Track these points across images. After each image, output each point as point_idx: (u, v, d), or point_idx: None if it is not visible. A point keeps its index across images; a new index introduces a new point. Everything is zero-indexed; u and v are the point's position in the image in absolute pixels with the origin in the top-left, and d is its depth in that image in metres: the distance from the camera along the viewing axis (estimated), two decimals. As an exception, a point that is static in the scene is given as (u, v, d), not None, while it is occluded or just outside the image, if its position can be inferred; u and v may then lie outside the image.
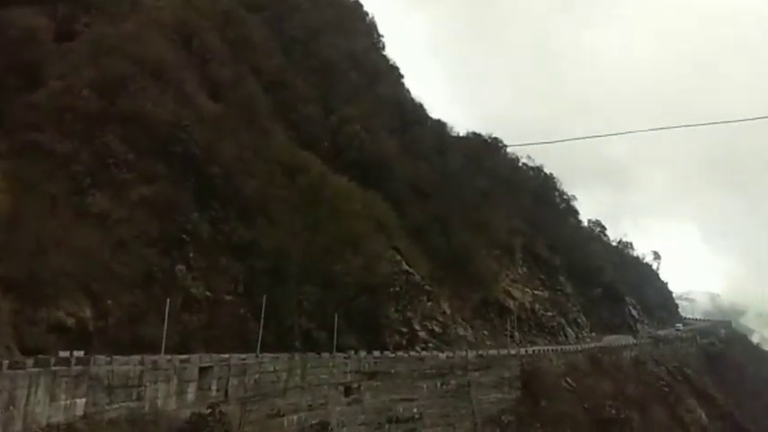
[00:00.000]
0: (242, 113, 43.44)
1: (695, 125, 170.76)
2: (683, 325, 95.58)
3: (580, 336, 62.64)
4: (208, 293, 32.55)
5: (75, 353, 19.01)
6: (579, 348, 51.17)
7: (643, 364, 54.79)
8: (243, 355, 25.26)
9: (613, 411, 40.19)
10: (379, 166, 51.41)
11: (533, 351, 44.21)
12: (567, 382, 41.94)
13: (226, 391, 23.33)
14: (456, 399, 35.07)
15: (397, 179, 52.31)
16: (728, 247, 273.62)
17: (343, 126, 54.40)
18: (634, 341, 64.65)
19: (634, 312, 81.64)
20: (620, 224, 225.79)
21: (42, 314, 23.01)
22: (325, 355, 30.02)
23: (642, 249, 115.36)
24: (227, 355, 24.21)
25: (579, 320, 65.50)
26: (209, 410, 19.75)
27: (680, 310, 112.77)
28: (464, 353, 37.77)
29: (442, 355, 35.94)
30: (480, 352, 39.40)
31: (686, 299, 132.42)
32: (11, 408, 13.27)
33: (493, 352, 40.51)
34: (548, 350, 46.47)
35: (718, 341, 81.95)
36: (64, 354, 17.06)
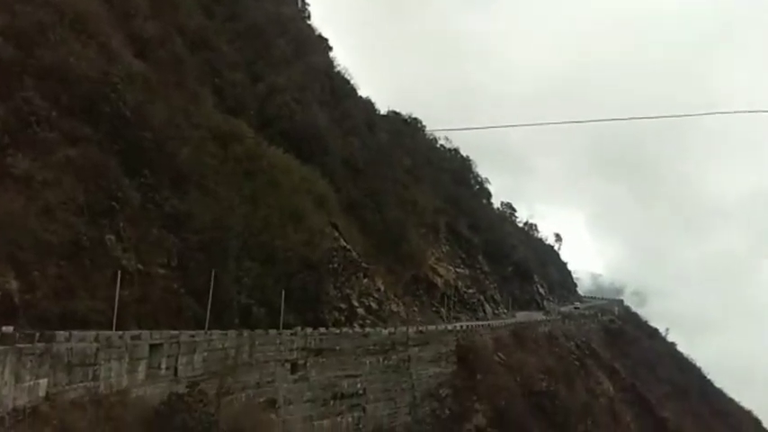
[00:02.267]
0: (170, 75, 40.54)
1: (583, 121, 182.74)
2: (581, 302, 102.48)
3: (496, 312, 65.27)
4: (140, 266, 30.19)
5: (4, 328, 16.96)
6: (503, 324, 53.24)
7: (555, 339, 58.02)
8: (192, 332, 23.72)
9: (544, 384, 42.39)
10: (312, 140, 50.07)
11: (466, 327, 45.41)
12: (498, 356, 43.51)
13: (175, 369, 21.81)
14: (397, 374, 35.26)
15: (331, 153, 51.27)
16: (609, 231, 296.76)
17: (272, 95, 52.30)
18: (545, 317, 68.28)
19: (542, 290, 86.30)
20: (518, 209, 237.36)
21: (-37, 286, 20.25)
22: (272, 332, 28.96)
23: (545, 232, 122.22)
24: (176, 332, 22.61)
25: (495, 297, 68.18)
26: (188, 390, 18.26)
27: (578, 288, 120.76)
28: (405, 329, 38.01)
29: (385, 332, 35.91)
30: (420, 328, 39.84)
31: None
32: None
33: (431, 328, 41.14)
34: (478, 326, 47.93)
35: (616, 318, 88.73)
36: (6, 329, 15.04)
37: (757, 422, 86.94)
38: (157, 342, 20.88)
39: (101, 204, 29.89)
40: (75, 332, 16.50)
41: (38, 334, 14.40)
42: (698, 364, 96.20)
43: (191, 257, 32.61)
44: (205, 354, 23.81)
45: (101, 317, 25.34)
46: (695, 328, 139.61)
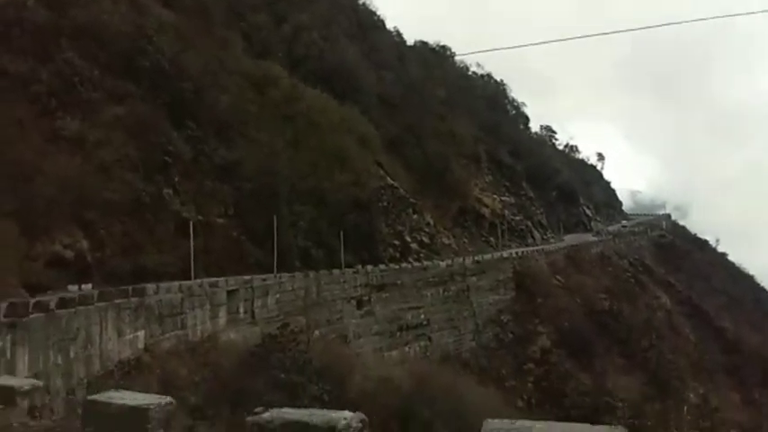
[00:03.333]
0: (198, 22, 39.75)
1: (605, 33, 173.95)
2: (627, 221, 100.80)
3: (545, 237, 64.64)
4: (200, 217, 30.61)
5: (83, 286, 17.42)
6: (556, 248, 52.84)
7: (609, 259, 57.44)
8: (263, 276, 24.05)
9: (605, 303, 42.22)
10: (345, 77, 48.88)
11: (521, 253, 45.20)
12: (557, 279, 43.37)
13: (252, 313, 22.29)
14: (458, 303, 35.53)
15: (365, 90, 50.12)
16: (644, 146, 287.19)
17: (298, 34, 50.90)
18: (596, 238, 67.45)
19: (588, 211, 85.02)
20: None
21: (39, 248, 20.77)
22: (336, 271, 29.28)
23: (586, 152, 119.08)
24: (248, 277, 22.95)
25: (543, 222, 67.44)
26: (279, 330, 18.65)
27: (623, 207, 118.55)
28: (461, 260, 38.00)
29: (443, 264, 35.99)
30: (476, 258, 39.77)
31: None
32: (89, 347, 11.74)
33: (487, 257, 41.01)
34: (532, 251, 47.67)
35: (666, 233, 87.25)
36: (72, 287, 15.50)
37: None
38: (233, 288, 21.28)
39: (154, 160, 30.13)
40: (161, 284, 16.80)
41: (131, 288, 14.67)
42: (750, 273, 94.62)
43: (245, 205, 32.95)
44: (277, 296, 24.27)
45: (170, 268, 25.96)
46: (741, 238, 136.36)
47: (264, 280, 23.77)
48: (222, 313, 20.20)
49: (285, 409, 8.18)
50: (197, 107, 33.29)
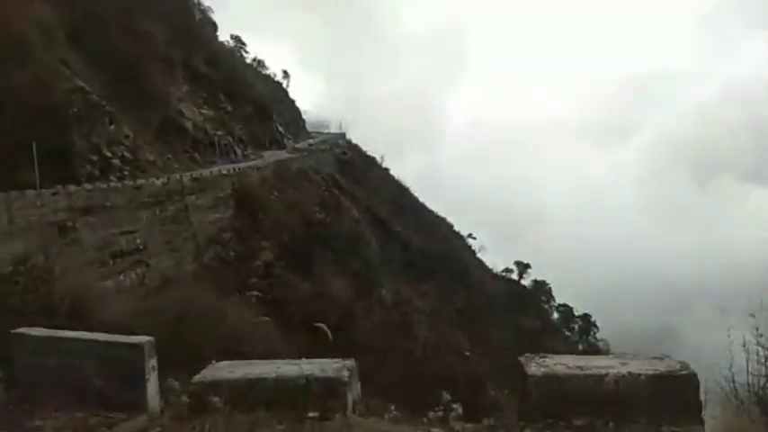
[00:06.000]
0: None
1: None
2: (312, 139, 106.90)
3: (245, 153, 63.95)
4: None
5: None
6: (265, 164, 52.81)
7: (307, 174, 60.44)
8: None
9: (319, 215, 44.31)
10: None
11: (238, 169, 43.72)
12: (274, 194, 43.54)
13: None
14: (176, 224, 32.82)
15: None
16: (309, 66, 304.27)
17: None
18: (293, 155, 69.79)
19: (281, 129, 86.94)
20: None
21: None
22: (30, 192, 23.89)
23: (274, 67, 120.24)
24: None
25: (243, 138, 66.51)
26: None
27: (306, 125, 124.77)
28: (179, 177, 34.86)
29: (158, 182, 32.40)
30: (194, 175, 36.93)
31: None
32: None
33: (206, 173, 38.44)
34: (246, 167, 46.60)
35: (347, 150, 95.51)
36: None
37: (450, 225, 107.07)
38: None
39: None
40: None
41: None
42: (407, 184, 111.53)
43: None
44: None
45: None
46: (396, 153, 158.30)
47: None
48: None
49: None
50: None
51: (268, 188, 44.27)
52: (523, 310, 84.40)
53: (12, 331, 7.03)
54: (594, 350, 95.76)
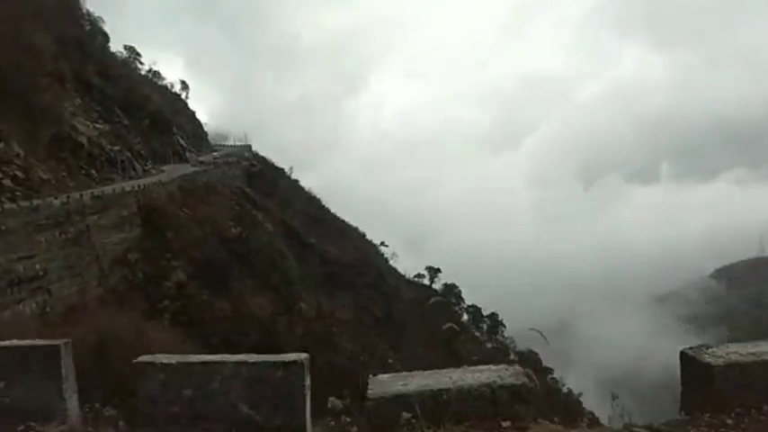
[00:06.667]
0: None
1: None
2: (216, 152, 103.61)
3: (146, 168, 60.99)
4: None
5: None
6: (171, 179, 50.40)
7: (215, 188, 58.55)
8: None
9: (234, 230, 42.68)
10: None
11: (143, 186, 41.27)
12: (183, 211, 41.45)
13: None
14: (78, 247, 30.52)
15: None
16: (207, 77, 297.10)
17: None
18: (198, 168, 67.28)
19: (182, 141, 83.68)
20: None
21: None
22: None
23: (171, 78, 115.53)
24: None
25: (143, 153, 63.35)
26: None
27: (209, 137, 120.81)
28: (79, 196, 32.44)
29: (56, 202, 29.96)
30: (96, 193, 34.44)
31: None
32: None
33: (108, 191, 35.91)
34: (151, 183, 44.14)
35: (255, 162, 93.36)
36: None
37: (361, 234, 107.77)
38: None
39: None
40: None
41: None
42: (316, 195, 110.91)
43: None
44: None
45: None
46: (302, 164, 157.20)
47: None
48: None
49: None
50: None
51: (176, 204, 42.33)
52: (437, 314, 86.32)
53: (134, 361, 5.91)
54: (503, 347, 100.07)
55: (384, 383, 6.19)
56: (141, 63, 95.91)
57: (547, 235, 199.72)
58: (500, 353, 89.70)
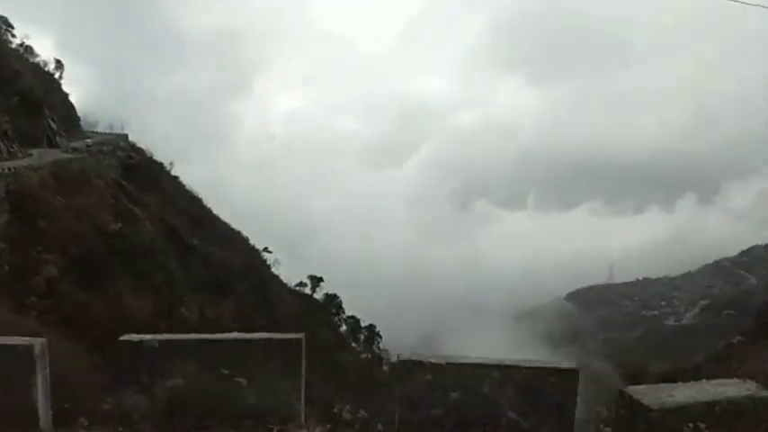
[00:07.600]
0: None
1: None
2: (89, 138, 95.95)
3: (12, 150, 55.24)
4: None
5: None
6: (44, 164, 45.89)
7: (89, 178, 54.29)
8: None
9: (114, 225, 39.34)
10: None
11: (12, 169, 37.12)
12: (60, 200, 37.66)
13: None
14: (-67, 232, 27.01)
15: None
16: (78, 58, 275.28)
17: None
18: (70, 155, 62.02)
19: (53, 125, 76.71)
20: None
21: None
22: None
23: (45, 55, 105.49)
24: None
25: (9, 133, 57.33)
26: None
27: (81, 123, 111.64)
28: (-63, 174, 28.65)
29: None
30: None
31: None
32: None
33: None
34: (23, 167, 39.83)
35: (133, 153, 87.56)
36: None
37: (245, 238, 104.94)
38: None
39: None
40: None
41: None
42: (198, 194, 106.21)
43: None
44: None
45: None
46: (181, 159, 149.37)
47: None
48: None
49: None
50: None
51: (50, 192, 38.74)
52: (317, 324, 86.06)
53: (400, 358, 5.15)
54: (379, 358, 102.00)
55: (647, 395, 6.30)
56: (13, 36, 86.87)
57: (421, 250, 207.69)
58: (375, 364, 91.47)
